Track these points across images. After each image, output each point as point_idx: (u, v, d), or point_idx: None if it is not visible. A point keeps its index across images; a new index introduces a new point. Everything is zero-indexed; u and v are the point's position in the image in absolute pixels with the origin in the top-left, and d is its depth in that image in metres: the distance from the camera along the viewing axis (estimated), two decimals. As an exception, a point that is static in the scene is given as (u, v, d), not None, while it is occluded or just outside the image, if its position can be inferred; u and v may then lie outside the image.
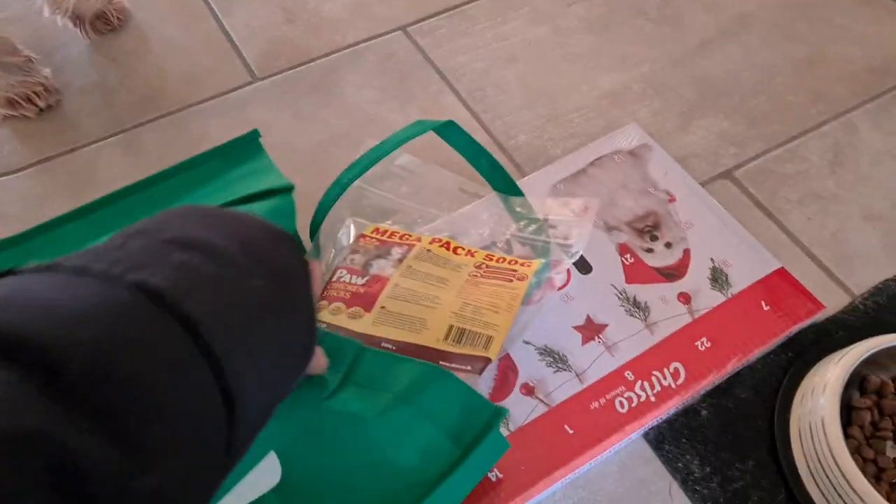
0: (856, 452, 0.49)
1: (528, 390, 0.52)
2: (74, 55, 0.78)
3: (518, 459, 0.48)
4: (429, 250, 0.56)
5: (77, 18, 0.77)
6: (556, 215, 0.59)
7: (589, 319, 0.55)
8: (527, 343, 0.54)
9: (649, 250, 0.59)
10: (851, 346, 0.52)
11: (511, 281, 0.53)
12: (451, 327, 0.50)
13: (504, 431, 0.50)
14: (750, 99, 0.74)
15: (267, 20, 0.81)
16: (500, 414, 0.44)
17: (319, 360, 0.43)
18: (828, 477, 0.47)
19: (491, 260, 0.55)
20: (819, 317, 0.57)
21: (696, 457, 0.51)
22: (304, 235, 0.58)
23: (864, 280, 0.61)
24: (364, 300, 0.52)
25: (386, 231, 0.58)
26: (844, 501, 0.46)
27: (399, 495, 0.42)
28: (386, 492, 0.42)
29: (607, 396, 0.51)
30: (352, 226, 0.59)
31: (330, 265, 0.56)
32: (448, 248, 0.56)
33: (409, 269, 0.54)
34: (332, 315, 0.51)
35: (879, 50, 0.78)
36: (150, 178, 0.58)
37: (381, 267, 0.55)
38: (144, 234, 0.31)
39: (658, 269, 0.58)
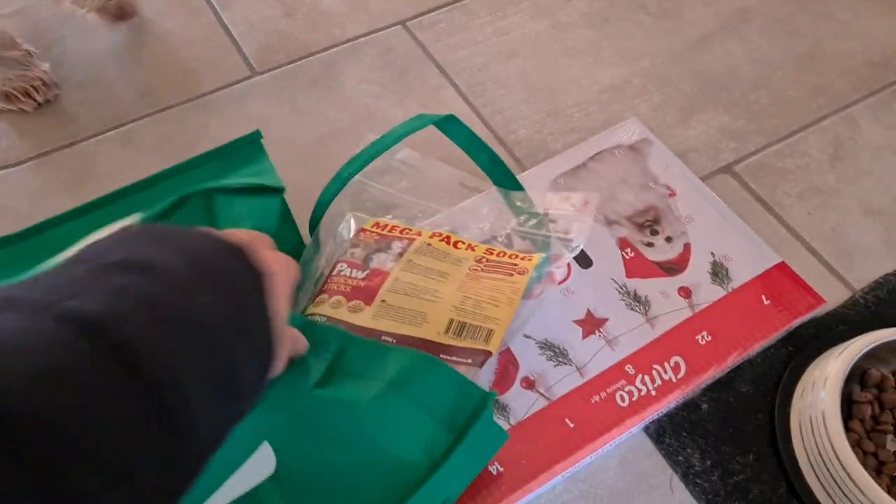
0: (856, 446, 0.49)
1: (529, 384, 0.52)
2: (73, 49, 0.78)
3: (519, 453, 0.48)
4: (429, 244, 0.55)
5: (100, 9, 0.76)
6: (556, 210, 0.59)
7: (589, 313, 0.55)
8: (527, 337, 0.54)
9: (649, 244, 0.59)
10: (852, 341, 0.52)
11: (511, 275, 0.53)
12: (451, 321, 0.50)
13: (504, 425, 0.50)
14: (750, 93, 0.74)
15: (266, 14, 0.81)
16: (489, 397, 0.44)
17: (298, 344, 0.43)
18: (828, 470, 0.47)
19: (491, 254, 0.55)
20: (819, 311, 0.57)
21: (696, 450, 0.51)
22: (304, 231, 0.57)
23: (864, 274, 0.61)
24: (364, 294, 0.52)
25: (386, 225, 0.58)
26: (845, 494, 0.46)
27: (394, 482, 0.42)
28: (381, 479, 0.42)
29: (608, 390, 0.51)
30: (352, 220, 0.59)
31: (330, 259, 0.56)
32: (448, 243, 0.56)
33: (410, 263, 0.54)
34: (332, 308, 0.51)
35: (880, 44, 0.78)
36: (150, 178, 0.58)
37: (381, 261, 0.54)
38: (86, 260, 0.30)
39: (658, 264, 0.58)
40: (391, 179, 0.62)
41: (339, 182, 0.56)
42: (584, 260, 0.58)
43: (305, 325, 0.45)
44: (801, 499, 0.49)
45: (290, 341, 0.41)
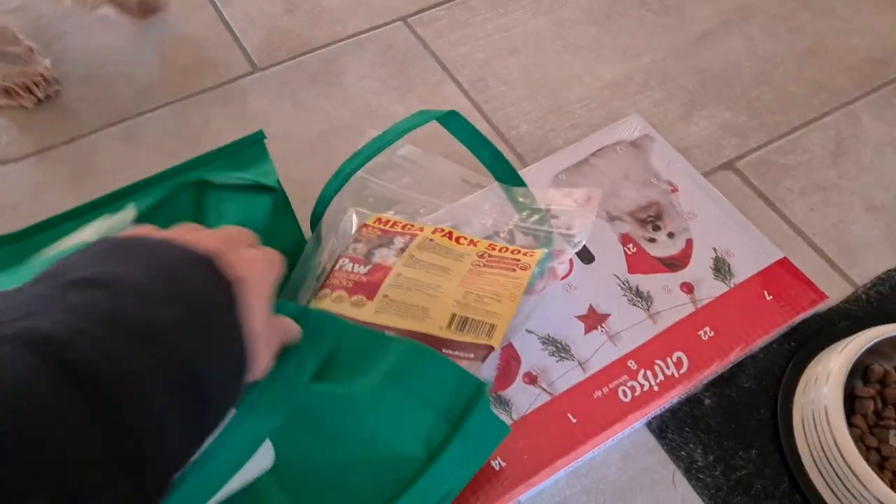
0: (859, 441, 0.49)
1: (531, 379, 0.52)
2: (74, 45, 0.78)
3: (521, 448, 0.48)
4: (431, 240, 0.55)
5: (120, 5, 0.76)
6: (558, 205, 0.59)
7: (591, 309, 0.55)
8: (529, 332, 0.54)
9: (652, 240, 0.59)
10: (854, 336, 0.52)
11: (514, 270, 0.53)
12: (454, 315, 0.50)
13: (507, 420, 0.49)
14: (752, 90, 0.74)
15: (267, 10, 0.81)
16: (482, 386, 0.44)
17: (290, 332, 0.42)
18: (831, 465, 0.47)
19: (493, 249, 0.55)
20: (822, 307, 0.57)
21: (699, 445, 0.51)
22: (306, 227, 0.57)
23: (866, 270, 0.61)
24: (367, 289, 0.52)
25: (388, 221, 0.58)
26: (848, 489, 0.46)
27: (394, 474, 0.42)
28: (380, 471, 0.42)
29: (610, 385, 0.51)
30: (354, 216, 0.59)
31: (332, 255, 0.56)
32: (450, 238, 0.56)
33: (412, 259, 0.54)
34: (334, 303, 0.51)
35: (881, 41, 0.78)
36: (151, 178, 0.57)
37: (383, 256, 0.54)
38: (47, 278, 0.30)
39: (661, 259, 0.58)
40: (393, 175, 0.61)
41: (341, 178, 0.56)
42: (586, 255, 0.58)
43: (299, 312, 0.45)
44: (803, 494, 0.49)
45: (279, 333, 0.40)
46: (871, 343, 0.51)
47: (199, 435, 0.32)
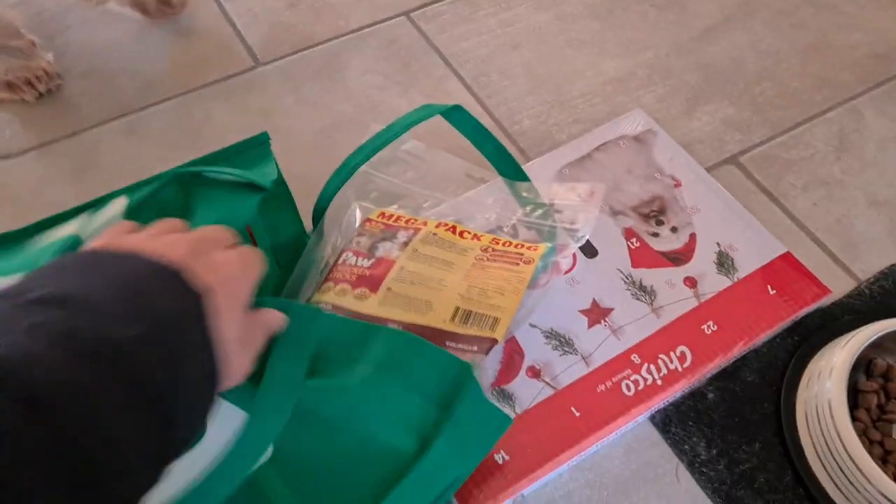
0: (862, 435, 0.49)
1: (535, 373, 0.52)
2: (77, 39, 0.78)
3: (524, 441, 0.48)
4: (435, 234, 0.55)
5: (137, 4, 0.76)
6: (562, 200, 0.59)
7: (595, 303, 0.55)
8: (533, 326, 0.54)
9: (655, 235, 0.59)
10: (857, 330, 0.52)
11: (517, 264, 0.53)
12: (457, 309, 0.50)
13: (510, 414, 0.49)
14: (755, 85, 0.74)
15: (269, 5, 0.81)
16: (466, 367, 0.44)
17: (272, 323, 0.42)
18: (835, 459, 0.47)
19: (497, 244, 0.55)
20: (825, 301, 0.57)
21: (702, 439, 0.51)
22: (308, 221, 0.57)
23: (869, 265, 0.61)
24: (370, 282, 0.52)
25: (392, 215, 0.58)
26: (851, 483, 0.46)
27: (390, 463, 0.42)
28: (376, 460, 0.43)
29: (614, 379, 0.51)
30: (357, 210, 0.59)
31: (335, 248, 0.56)
32: (454, 232, 0.56)
33: (415, 253, 0.54)
34: (337, 296, 0.51)
35: (884, 36, 0.78)
36: (152, 178, 0.57)
37: (386, 250, 0.54)
38: (8, 297, 0.29)
39: (664, 254, 0.58)
40: (397, 170, 0.61)
41: (345, 172, 0.56)
42: (589, 250, 0.58)
43: (283, 306, 0.45)
44: (806, 487, 0.49)
45: (261, 329, 0.40)
46: (875, 337, 0.51)
47: (167, 450, 0.31)
